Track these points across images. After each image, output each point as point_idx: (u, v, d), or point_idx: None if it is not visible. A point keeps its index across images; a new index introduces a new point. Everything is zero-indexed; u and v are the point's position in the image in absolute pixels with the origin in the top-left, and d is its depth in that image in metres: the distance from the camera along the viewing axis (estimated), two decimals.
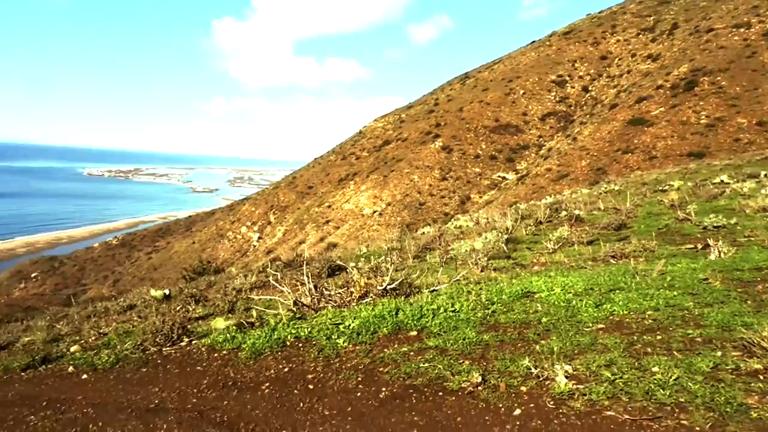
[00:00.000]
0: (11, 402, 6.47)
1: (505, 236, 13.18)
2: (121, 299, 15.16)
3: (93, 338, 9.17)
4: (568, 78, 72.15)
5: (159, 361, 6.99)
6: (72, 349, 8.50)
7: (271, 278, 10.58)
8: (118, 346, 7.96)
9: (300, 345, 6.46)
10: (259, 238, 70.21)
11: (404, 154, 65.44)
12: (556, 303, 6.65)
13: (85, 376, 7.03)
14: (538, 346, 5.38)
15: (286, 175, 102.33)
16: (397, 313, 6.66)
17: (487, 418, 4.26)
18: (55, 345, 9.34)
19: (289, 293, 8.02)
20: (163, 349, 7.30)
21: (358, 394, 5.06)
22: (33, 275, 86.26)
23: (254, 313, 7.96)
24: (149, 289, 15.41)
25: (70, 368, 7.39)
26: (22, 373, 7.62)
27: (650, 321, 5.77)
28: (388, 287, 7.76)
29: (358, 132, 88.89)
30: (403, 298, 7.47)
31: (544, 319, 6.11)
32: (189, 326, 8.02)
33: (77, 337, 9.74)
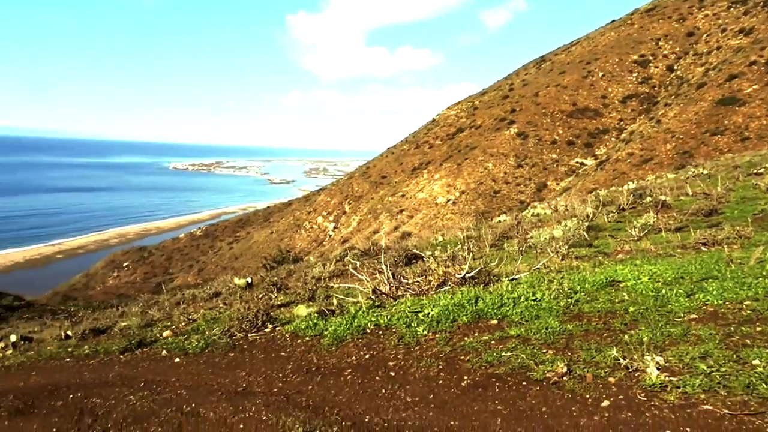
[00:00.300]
0: (112, 382, 6.93)
1: (586, 224, 12.78)
2: (207, 287, 15.84)
3: (183, 324, 9.65)
4: (651, 57, 68.72)
5: (245, 347, 7.27)
6: (164, 334, 8.98)
7: (349, 267, 10.74)
8: (207, 332, 8.34)
9: (380, 332, 6.54)
10: (335, 227, 71.47)
11: (478, 141, 64.58)
12: (644, 292, 6.38)
13: (177, 359, 7.41)
14: (626, 337, 5.19)
15: (360, 165, 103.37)
16: (476, 302, 6.61)
17: (573, 408, 4.16)
18: (148, 330, 9.91)
19: (367, 282, 8.13)
20: (249, 335, 7.58)
21: (440, 381, 5.07)
22: (125, 264, 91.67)
23: (334, 300, 8.12)
24: (232, 277, 16.02)
25: (164, 352, 7.82)
26: (121, 356, 8.14)
27: (748, 312, 5.43)
28: (467, 276, 7.71)
29: (431, 120, 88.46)
30: (482, 286, 7.40)
31: (631, 309, 5.88)
32: (272, 313, 8.28)
33: (168, 323, 10.29)
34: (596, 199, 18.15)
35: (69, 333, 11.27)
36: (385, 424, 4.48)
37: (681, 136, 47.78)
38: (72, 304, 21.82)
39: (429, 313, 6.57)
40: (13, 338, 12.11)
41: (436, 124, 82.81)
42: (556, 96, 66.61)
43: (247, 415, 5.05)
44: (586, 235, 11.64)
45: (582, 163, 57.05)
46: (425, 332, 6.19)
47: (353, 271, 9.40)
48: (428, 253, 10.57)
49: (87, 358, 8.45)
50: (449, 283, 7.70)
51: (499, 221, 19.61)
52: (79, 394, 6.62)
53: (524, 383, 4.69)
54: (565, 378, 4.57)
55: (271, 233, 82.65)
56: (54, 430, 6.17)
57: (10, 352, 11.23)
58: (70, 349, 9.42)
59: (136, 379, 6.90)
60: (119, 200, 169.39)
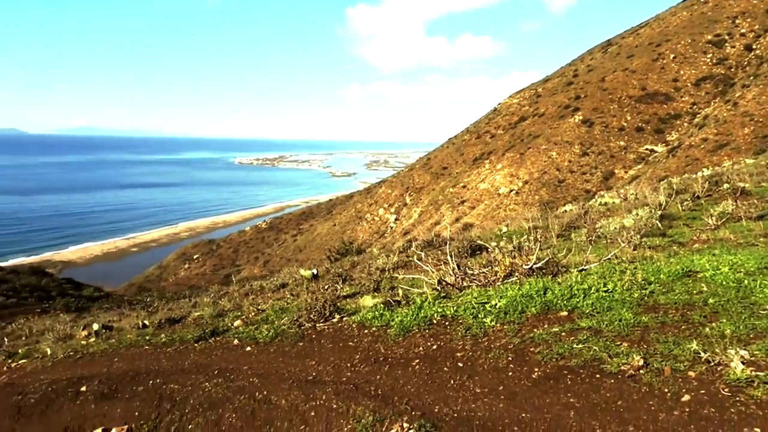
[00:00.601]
0: (188, 369, 7.21)
1: (659, 212, 12.28)
2: (273, 278, 16.22)
3: (253, 314, 9.93)
4: (727, 37, 65.07)
5: (314, 336, 7.41)
6: (235, 323, 9.27)
7: (414, 258, 10.75)
8: (276, 322, 8.55)
9: (446, 323, 6.52)
10: (396, 219, 71.65)
11: (541, 129, 63.12)
12: (724, 283, 6.08)
13: (248, 348, 7.64)
14: (706, 329, 4.96)
15: (421, 156, 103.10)
16: (545, 293, 6.48)
17: (651, 403, 4.02)
18: (220, 319, 10.26)
19: (433, 272, 8.11)
20: (317, 324, 7.72)
21: (509, 373, 5.01)
22: (195, 257, 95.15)
23: (400, 291, 8.14)
24: (298, 268, 16.33)
25: (235, 341, 8.07)
26: (195, 344, 8.46)
27: None
28: (534, 266, 7.56)
29: (492, 110, 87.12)
30: (550, 277, 7.25)
31: (710, 301, 5.62)
32: (339, 304, 8.39)
33: (239, 313, 10.61)
34: (669, 186, 17.40)
35: (146, 322, 11.81)
36: (455, 415, 4.47)
37: (761, 119, 45.14)
38: (147, 294, 22.86)
39: (496, 305, 6.50)
40: (95, 327, 12.85)
41: (497, 114, 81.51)
42: (623, 81, 64.21)
43: (317, 403, 5.16)
44: (659, 225, 11.19)
45: (652, 150, 54.84)
46: (493, 323, 6.13)
47: (418, 262, 9.39)
48: (493, 244, 10.44)
49: (164, 346, 8.83)
50: (516, 274, 7.58)
51: (565, 211, 19.12)
52: (158, 380, 6.94)
53: (598, 376, 4.57)
54: (641, 371, 4.43)
55: (334, 225, 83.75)
56: (136, 413, 6.50)
57: (93, 339, 11.89)
58: (147, 338, 9.87)
59: (210, 366, 7.16)
60: (189, 195, 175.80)
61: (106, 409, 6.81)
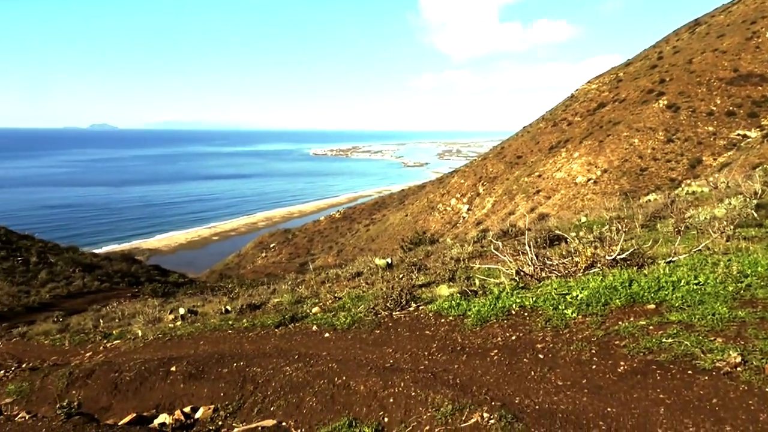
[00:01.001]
0: (270, 353, 7.44)
1: (754, 201, 11.53)
2: (348, 267, 16.45)
3: (330, 301, 10.12)
4: None
5: (390, 324, 7.47)
6: (313, 310, 9.48)
7: (491, 247, 10.61)
8: (353, 309, 8.68)
9: (525, 314, 6.40)
10: (468, 209, 70.93)
11: (622, 116, 60.55)
12: None
13: (327, 334, 7.79)
14: None
15: (494, 145, 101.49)
16: (630, 285, 6.23)
17: (750, 402, 3.79)
18: (299, 306, 10.52)
19: (510, 262, 7.97)
20: (393, 313, 7.77)
21: (593, 366, 4.85)
22: (271, 245, 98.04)
23: (476, 281, 8.07)
24: (372, 258, 16.49)
25: (314, 327, 8.25)
26: (276, 330, 8.71)
27: None
28: (618, 257, 7.28)
29: (569, 96, 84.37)
30: (635, 269, 6.96)
31: None
32: (414, 293, 8.41)
33: (316, 300, 10.85)
34: (765, 174, 16.30)
35: (228, 308, 12.30)
36: (536, 407, 4.39)
37: None
38: (227, 281, 23.80)
39: (577, 296, 6.31)
40: (182, 311, 13.54)
41: (575, 100, 78.90)
42: (713, 62, 60.54)
43: (396, 390, 5.19)
44: (755, 214, 10.50)
45: (744, 136, 51.49)
46: (574, 315, 5.95)
47: (495, 252, 9.25)
48: (572, 234, 10.14)
49: (246, 330, 9.16)
50: (598, 265, 7.33)
51: (649, 200, 18.28)
52: (241, 363, 7.20)
53: (690, 372, 4.35)
54: (738, 369, 4.18)
55: (406, 216, 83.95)
56: (221, 394, 6.77)
57: (180, 323, 12.51)
58: (230, 322, 10.27)
59: (290, 351, 7.36)
60: (266, 186, 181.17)
61: (194, 388, 7.15)
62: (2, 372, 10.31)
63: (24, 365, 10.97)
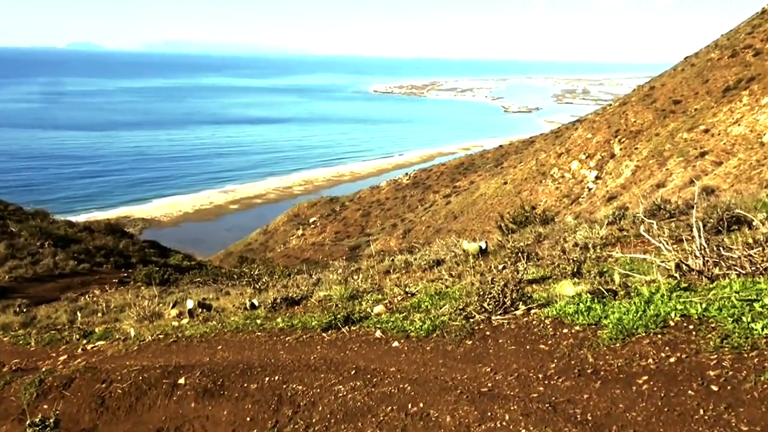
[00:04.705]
0: (315, 366, 7.59)
1: None
2: (423, 252, 16.49)
3: (399, 298, 10.20)
4: None
5: (487, 333, 7.46)
6: (375, 309, 9.59)
7: (641, 230, 10.39)
8: (433, 311, 8.72)
9: (690, 326, 6.25)
10: (597, 177, 69.66)
11: None
12: None
13: (396, 344, 7.87)
14: None
15: (639, 84, 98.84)
16: None
17: None
18: (354, 303, 10.66)
19: (668, 252, 7.77)
20: (492, 317, 7.75)
21: None
22: (312, 220, 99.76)
23: (615, 277, 7.92)
24: (458, 240, 16.47)
25: (377, 333, 8.35)
26: (323, 334, 8.88)
27: None
28: None
29: (759, 12, 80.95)
30: None
31: None
32: (523, 290, 8.35)
33: (379, 296, 10.97)
34: None
35: (255, 302, 12.60)
36: None
37: None
38: (251, 266, 24.38)
39: None
40: (190, 305, 13.92)
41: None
42: None
43: (498, 425, 5.19)
44: None
45: None
46: (766, 332, 5.76)
47: (645, 234, 9.04)
48: (760, 216, 9.79)
49: (281, 333, 9.38)
50: None
51: None
52: (276, 378, 7.38)
53: None
54: None
55: (505, 184, 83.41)
56: (248, 418, 6.99)
57: (187, 320, 12.93)
58: (259, 321, 10.54)
59: (344, 364, 7.48)
60: (307, 136, 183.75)
61: (209, 409, 7.39)
62: None
63: None
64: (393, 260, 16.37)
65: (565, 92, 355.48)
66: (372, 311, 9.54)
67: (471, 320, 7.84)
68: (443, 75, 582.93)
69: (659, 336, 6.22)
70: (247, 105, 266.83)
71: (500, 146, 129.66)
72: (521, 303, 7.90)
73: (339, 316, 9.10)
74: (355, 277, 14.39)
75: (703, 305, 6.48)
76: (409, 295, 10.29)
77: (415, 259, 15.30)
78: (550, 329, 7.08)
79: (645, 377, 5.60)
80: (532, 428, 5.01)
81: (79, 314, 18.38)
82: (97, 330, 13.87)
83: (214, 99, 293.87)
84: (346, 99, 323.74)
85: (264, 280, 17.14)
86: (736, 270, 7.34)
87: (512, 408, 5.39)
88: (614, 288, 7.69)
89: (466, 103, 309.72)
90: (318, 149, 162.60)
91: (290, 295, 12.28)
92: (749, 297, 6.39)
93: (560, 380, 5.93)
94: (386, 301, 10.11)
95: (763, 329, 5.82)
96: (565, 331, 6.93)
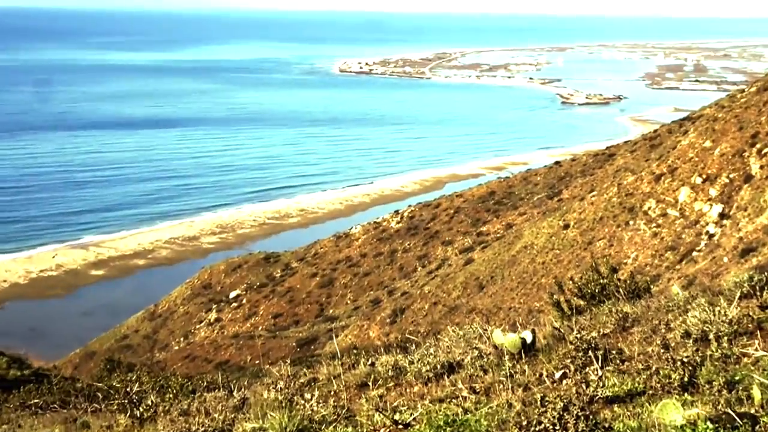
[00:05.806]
0: None
1: None
2: (424, 349, 16.48)
3: None
4: None
5: None
6: None
7: None
8: None
9: None
10: (722, 215, 70.11)
11: None
12: None
13: None
14: None
15: None
16: None
17: None
18: None
19: None
20: None
21: None
22: (233, 294, 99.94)
23: (755, 393, 7.96)
24: (485, 327, 16.49)
25: None
26: None
27: None
28: None
29: None
30: None
31: None
32: (594, 415, 8.36)
33: (348, 429, 10.90)
34: None
35: None
36: None
37: None
38: (127, 377, 24.19)
39: None
40: None
41: None
42: None
43: None
44: None
45: None
46: None
47: None
48: None
49: None
50: None
51: None
52: None
53: None
54: None
55: (565, 228, 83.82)
56: None
57: None
58: None
59: None
60: (226, 148, 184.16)
61: None
62: None
63: None
64: (373, 365, 16.33)
65: (666, 70, 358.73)
66: None
67: None
68: (461, 43, 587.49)
69: None
70: (121, 96, 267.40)
71: (556, 163, 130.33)
72: None
73: None
74: (308, 395, 14.34)
75: None
76: (401, 427, 10.27)
77: (412, 363, 15.26)
78: None
79: None
80: None
81: None
82: None
83: (62, 87, 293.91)
84: (292, 85, 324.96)
85: (150, 401, 17.00)
86: None
87: None
88: (753, 411, 7.73)
89: (495, 88, 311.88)
90: (245, 172, 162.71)
91: (195, 430, 12.21)
92: None
93: None
94: None
95: None
96: None
